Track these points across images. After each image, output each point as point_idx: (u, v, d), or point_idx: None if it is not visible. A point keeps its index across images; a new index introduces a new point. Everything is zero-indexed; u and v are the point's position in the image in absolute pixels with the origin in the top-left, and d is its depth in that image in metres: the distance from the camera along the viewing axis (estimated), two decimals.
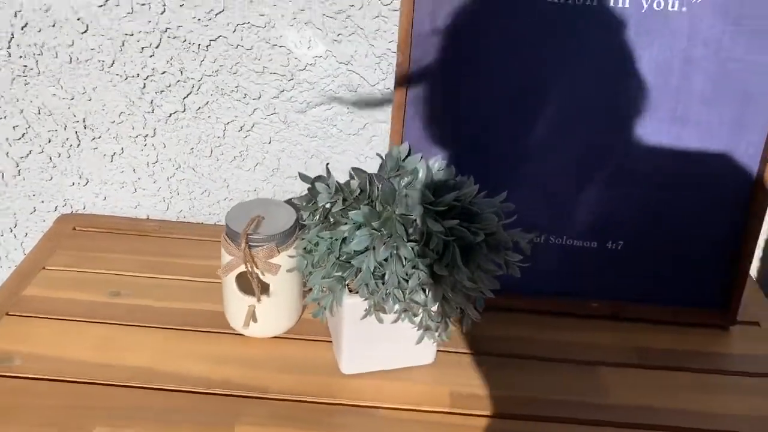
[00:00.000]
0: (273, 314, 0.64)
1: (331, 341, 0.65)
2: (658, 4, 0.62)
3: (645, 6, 0.62)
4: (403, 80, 0.65)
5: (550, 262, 0.71)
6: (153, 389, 0.59)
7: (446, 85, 0.65)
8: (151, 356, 0.63)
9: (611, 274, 0.71)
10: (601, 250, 0.71)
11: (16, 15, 0.71)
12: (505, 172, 0.68)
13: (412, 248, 0.54)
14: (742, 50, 0.63)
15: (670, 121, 0.66)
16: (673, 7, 0.62)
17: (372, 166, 0.68)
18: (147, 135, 0.79)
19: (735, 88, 0.64)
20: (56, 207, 0.85)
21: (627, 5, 0.62)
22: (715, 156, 0.66)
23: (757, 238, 0.68)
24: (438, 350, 0.65)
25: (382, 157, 0.60)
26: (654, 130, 0.66)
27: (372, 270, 0.54)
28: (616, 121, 0.66)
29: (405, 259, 0.54)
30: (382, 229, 0.55)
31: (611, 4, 0.62)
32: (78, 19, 0.71)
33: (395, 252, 0.54)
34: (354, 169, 0.59)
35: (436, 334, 0.58)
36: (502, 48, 0.64)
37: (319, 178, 0.59)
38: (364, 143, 0.77)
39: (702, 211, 0.68)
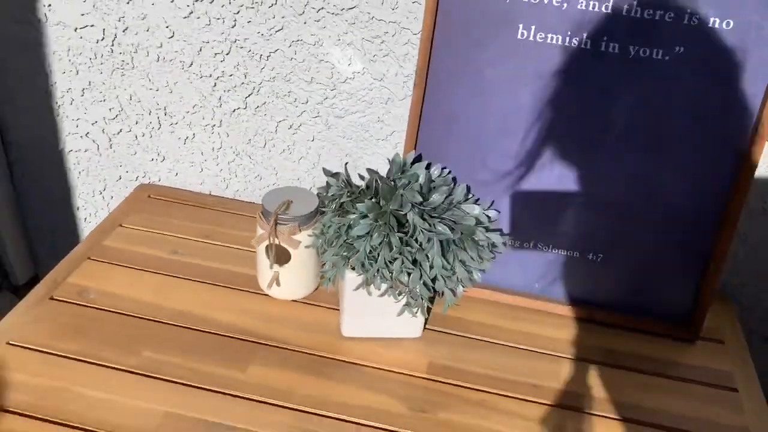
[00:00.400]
0: (293, 281, 0.78)
1: (338, 309, 0.79)
2: (644, 52, 0.71)
3: (632, 52, 0.72)
4: (419, 99, 0.77)
5: (537, 266, 0.81)
6: (191, 329, 0.75)
7: (454, 106, 0.77)
8: (194, 304, 0.78)
9: (590, 282, 0.81)
10: (583, 261, 0.80)
11: (119, 20, 0.88)
12: (503, 186, 0.79)
13: (400, 238, 0.66)
14: (717, 99, 0.72)
15: (649, 154, 0.75)
16: (657, 55, 0.71)
17: None
18: (214, 125, 0.95)
19: (709, 131, 0.73)
20: (137, 177, 1.02)
21: (616, 50, 0.72)
22: (689, 186, 0.75)
23: (722, 261, 0.76)
24: (426, 328, 0.77)
25: (389, 161, 0.72)
26: (635, 161, 0.75)
27: (367, 252, 0.67)
28: (602, 151, 0.76)
29: (393, 246, 0.66)
30: (379, 220, 0.67)
31: (602, 48, 0.72)
32: (167, 27, 0.87)
33: (386, 239, 0.66)
34: (368, 169, 0.72)
35: (415, 310, 0.70)
36: (504, 80, 0.75)
37: (336, 174, 0.72)
38: (391, 147, 0.90)
39: (675, 234, 0.77)
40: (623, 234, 0.78)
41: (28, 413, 0.63)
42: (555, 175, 0.78)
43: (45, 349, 0.70)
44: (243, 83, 0.90)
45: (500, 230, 0.79)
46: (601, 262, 0.80)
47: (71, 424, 0.63)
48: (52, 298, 0.77)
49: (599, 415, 0.69)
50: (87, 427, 0.62)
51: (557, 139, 0.76)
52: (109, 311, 0.76)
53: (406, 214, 0.67)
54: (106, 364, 0.69)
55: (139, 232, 0.90)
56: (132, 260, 0.84)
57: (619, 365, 0.76)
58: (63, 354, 0.70)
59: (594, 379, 0.73)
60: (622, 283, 0.80)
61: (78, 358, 0.70)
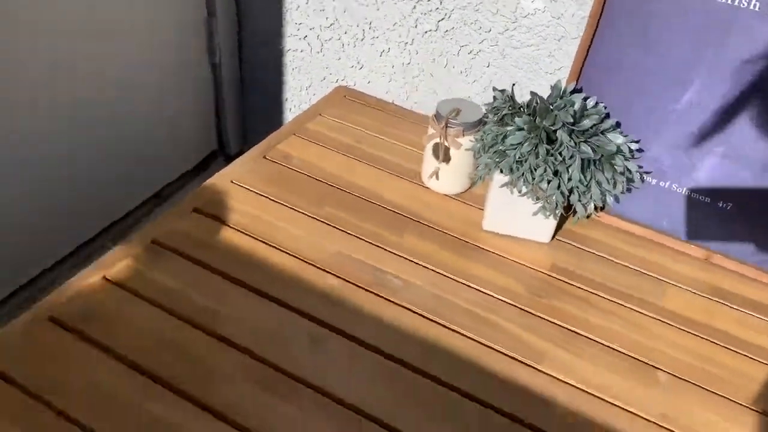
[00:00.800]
0: (450, 177, 0.94)
1: (483, 208, 0.93)
2: None
3: None
4: (588, 40, 0.87)
5: (669, 204, 0.90)
6: (363, 198, 0.93)
7: (619, 51, 0.86)
8: (368, 181, 0.97)
9: (716, 227, 0.88)
10: (713, 207, 0.88)
11: None
12: (651, 128, 0.88)
13: (547, 150, 0.79)
14: None
15: None
16: None
17: None
18: (407, 43, 1.11)
19: None
20: (337, 79, 1.22)
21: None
22: None
23: None
24: (556, 238, 0.90)
25: (551, 87, 0.85)
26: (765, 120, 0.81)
27: (516, 159, 0.81)
28: (751, 110, 0.82)
29: (540, 155, 0.79)
30: (532, 133, 0.80)
31: (757, 9, 0.78)
32: None
33: (535, 149, 0.80)
34: (531, 91, 0.85)
35: (548, 214, 0.83)
36: (670, 33, 0.83)
37: (503, 90, 0.86)
38: (555, 80, 1.01)
39: None
40: (757, 189, 0.85)
41: (243, 231, 0.86)
42: (702, 125, 0.85)
43: (257, 191, 0.93)
44: (438, 8, 1.05)
45: (641, 166, 0.89)
46: (730, 211, 0.87)
47: (271, 244, 0.84)
48: (264, 158, 1.00)
49: (690, 333, 0.79)
50: (281, 249, 0.83)
51: (711, 94, 0.84)
52: (305, 174, 0.97)
53: (556, 131, 0.80)
54: (299, 210, 0.90)
55: (333, 122, 1.10)
56: (326, 141, 1.04)
57: (716, 299, 0.84)
58: (270, 197, 0.92)
59: (695, 305, 0.82)
60: (747, 233, 0.87)
61: (280, 201, 0.91)
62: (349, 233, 0.87)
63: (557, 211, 0.83)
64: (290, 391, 0.68)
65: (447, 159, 0.92)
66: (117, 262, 0.79)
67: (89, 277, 0.77)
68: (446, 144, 0.90)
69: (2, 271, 1.04)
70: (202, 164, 1.38)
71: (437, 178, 0.94)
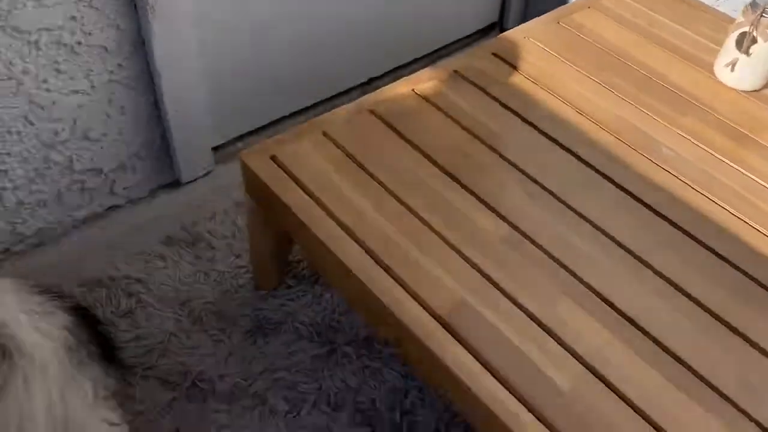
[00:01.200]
0: (745, 71, 0.92)
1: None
2: None
3: None
4: None
5: None
6: (648, 76, 0.96)
7: None
8: (656, 63, 0.98)
9: None
10: None
11: None
12: None
13: None
14: None
15: None
16: None
17: None
18: None
19: None
20: None
21: None
22: None
23: None
24: None
25: None
26: None
27: None
28: None
29: None
30: None
31: None
32: None
33: None
34: None
35: None
36: None
37: None
38: None
39: None
40: None
41: (531, 79, 0.94)
42: None
43: (548, 49, 1.00)
44: None
45: None
46: None
47: (555, 95, 0.92)
48: (558, 23, 1.06)
49: None
50: (564, 101, 0.91)
51: None
52: (596, 44, 1.02)
53: None
54: (586, 73, 0.96)
55: (631, 4, 1.11)
56: (620, 20, 1.07)
57: None
58: (560, 56, 0.98)
59: None
60: None
61: (569, 62, 0.98)
62: (629, 102, 0.92)
63: None
64: (550, 203, 0.77)
65: (749, 51, 0.91)
66: (425, 81, 0.93)
67: (402, 87, 0.91)
68: (754, 34, 0.89)
69: (335, 78, 1.25)
70: (479, 33, 1.48)
71: (732, 69, 0.93)
